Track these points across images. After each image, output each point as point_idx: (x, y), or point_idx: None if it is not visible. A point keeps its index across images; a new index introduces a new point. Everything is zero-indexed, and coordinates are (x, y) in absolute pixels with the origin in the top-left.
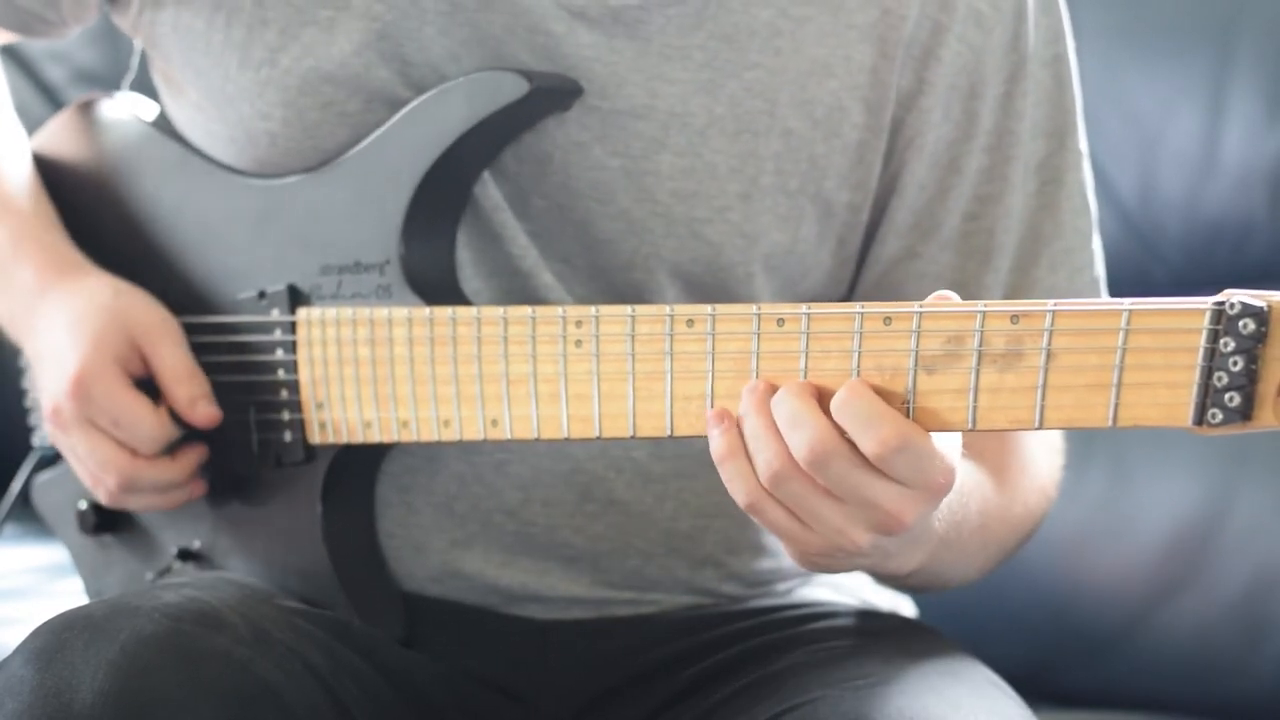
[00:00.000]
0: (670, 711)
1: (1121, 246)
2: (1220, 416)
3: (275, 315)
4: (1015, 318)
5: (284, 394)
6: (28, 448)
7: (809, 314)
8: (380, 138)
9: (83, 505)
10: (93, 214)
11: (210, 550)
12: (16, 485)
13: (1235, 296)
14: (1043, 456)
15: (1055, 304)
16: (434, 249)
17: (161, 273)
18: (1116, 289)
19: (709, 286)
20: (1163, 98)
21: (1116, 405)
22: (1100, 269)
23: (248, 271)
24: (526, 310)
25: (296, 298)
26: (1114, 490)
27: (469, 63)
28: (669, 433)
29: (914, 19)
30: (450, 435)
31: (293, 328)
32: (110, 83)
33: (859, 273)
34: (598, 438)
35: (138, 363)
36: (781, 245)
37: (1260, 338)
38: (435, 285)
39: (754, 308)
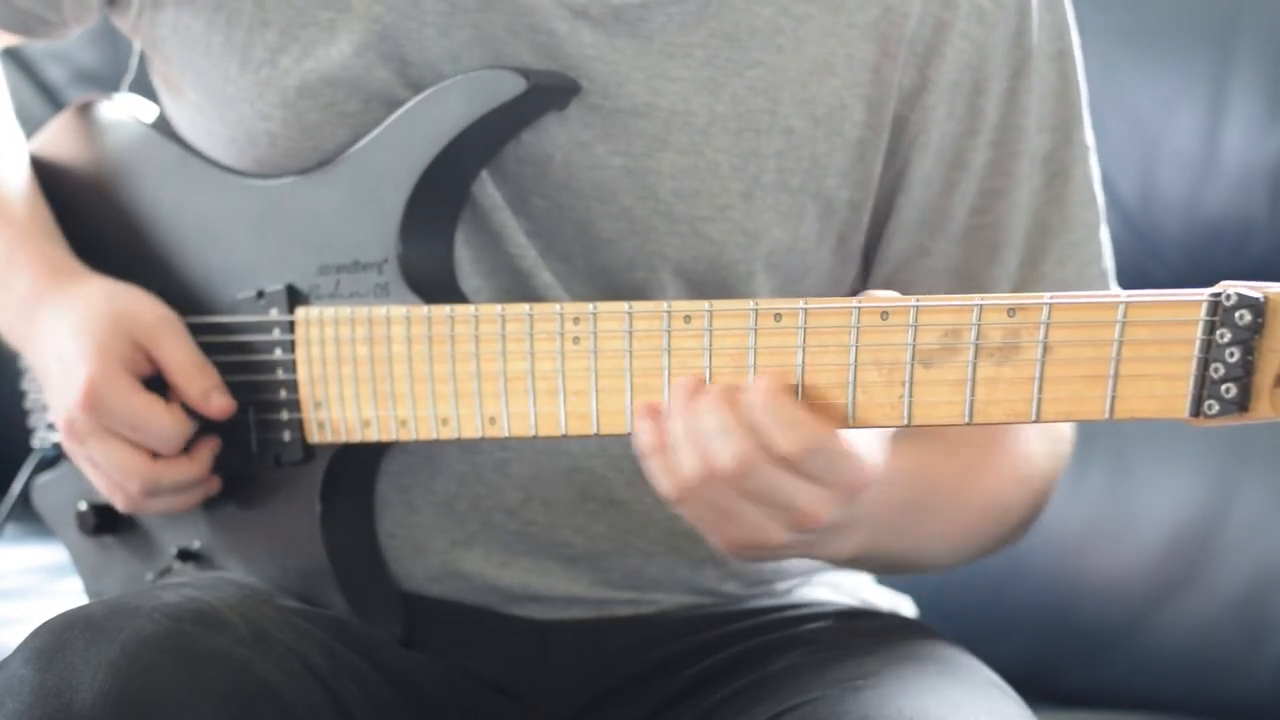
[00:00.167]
0: (670, 711)
1: (1121, 246)
2: (1217, 408)
3: (274, 315)
4: (1012, 311)
5: (282, 393)
6: (28, 448)
7: (806, 309)
8: (378, 137)
9: (82, 506)
10: (92, 215)
11: (210, 550)
12: (17, 486)
13: (1232, 288)
14: (1036, 449)
15: (1052, 297)
16: (432, 248)
17: (160, 273)
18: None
19: (710, 285)
20: (1163, 98)
21: (1113, 397)
22: (1109, 261)
23: (246, 271)
24: (524, 308)
25: (295, 297)
26: (1114, 489)
27: (469, 63)
28: None
29: (916, 16)
30: (448, 433)
31: (291, 327)
32: (110, 83)
33: (869, 272)
34: (595, 434)
35: (144, 363)
36: (783, 243)
37: (1256, 329)
38: (434, 284)
39: (751, 303)
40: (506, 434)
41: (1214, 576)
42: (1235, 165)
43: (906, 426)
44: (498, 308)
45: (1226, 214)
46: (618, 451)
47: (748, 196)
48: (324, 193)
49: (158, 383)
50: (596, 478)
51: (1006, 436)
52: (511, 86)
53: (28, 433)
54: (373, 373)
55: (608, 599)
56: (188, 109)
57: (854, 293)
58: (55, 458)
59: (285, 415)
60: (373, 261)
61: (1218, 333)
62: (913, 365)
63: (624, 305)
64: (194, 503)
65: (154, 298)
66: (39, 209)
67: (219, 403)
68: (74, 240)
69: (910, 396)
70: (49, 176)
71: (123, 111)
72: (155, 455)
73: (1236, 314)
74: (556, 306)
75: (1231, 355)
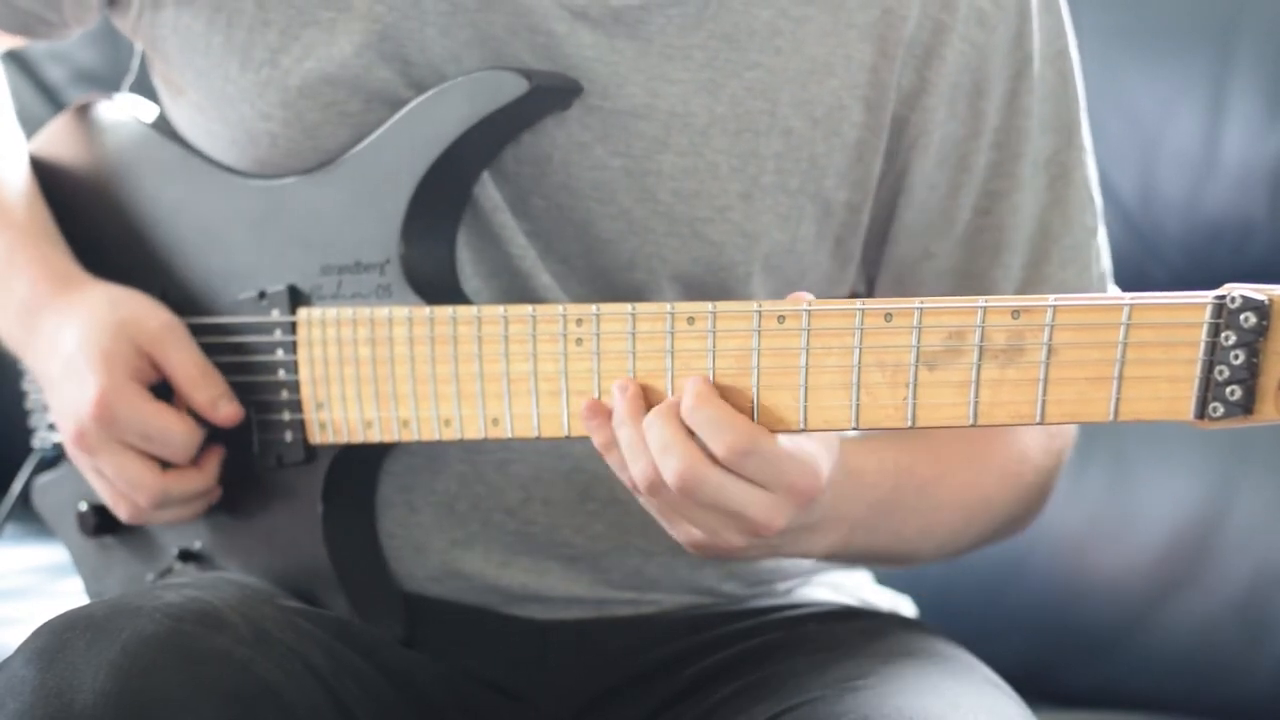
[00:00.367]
0: (670, 711)
1: (1121, 246)
2: (1221, 410)
3: (275, 315)
4: (1016, 313)
5: (284, 394)
6: (28, 448)
7: (810, 310)
8: (380, 137)
9: (83, 507)
10: (93, 216)
11: (211, 551)
12: (17, 486)
13: (1236, 290)
14: (1029, 444)
15: (1056, 299)
16: (434, 248)
17: (161, 274)
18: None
19: (709, 286)
20: (1163, 98)
21: (1118, 399)
22: (1107, 263)
23: (248, 272)
24: (527, 309)
25: (297, 298)
26: (1114, 489)
27: (470, 63)
28: None
29: (915, 18)
30: (451, 434)
31: (293, 328)
32: (110, 83)
33: (874, 277)
34: None
35: (150, 370)
36: (781, 245)
37: (1261, 331)
38: (435, 285)
39: (755, 305)
40: (510, 435)
41: (1214, 576)
42: (1235, 165)
43: (911, 428)
44: (500, 309)
45: (1226, 214)
46: None
47: (747, 198)
48: (326, 193)
49: (162, 389)
50: (597, 478)
51: (994, 433)
52: (514, 87)
53: (28, 433)
54: (375, 374)
55: (608, 599)
56: (188, 109)
57: (851, 296)
58: (55, 458)
59: (287, 416)
60: (375, 262)
61: (1222, 335)
62: (917, 367)
63: (627, 307)
64: (197, 514)
65: (156, 303)
66: (39, 210)
67: (227, 410)
68: (74, 241)
69: (914, 398)
70: (49, 177)
71: (123, 112)
72: (164, 466)
73: (1241, 316)
74: (560, 308)
75: (1236, 358)
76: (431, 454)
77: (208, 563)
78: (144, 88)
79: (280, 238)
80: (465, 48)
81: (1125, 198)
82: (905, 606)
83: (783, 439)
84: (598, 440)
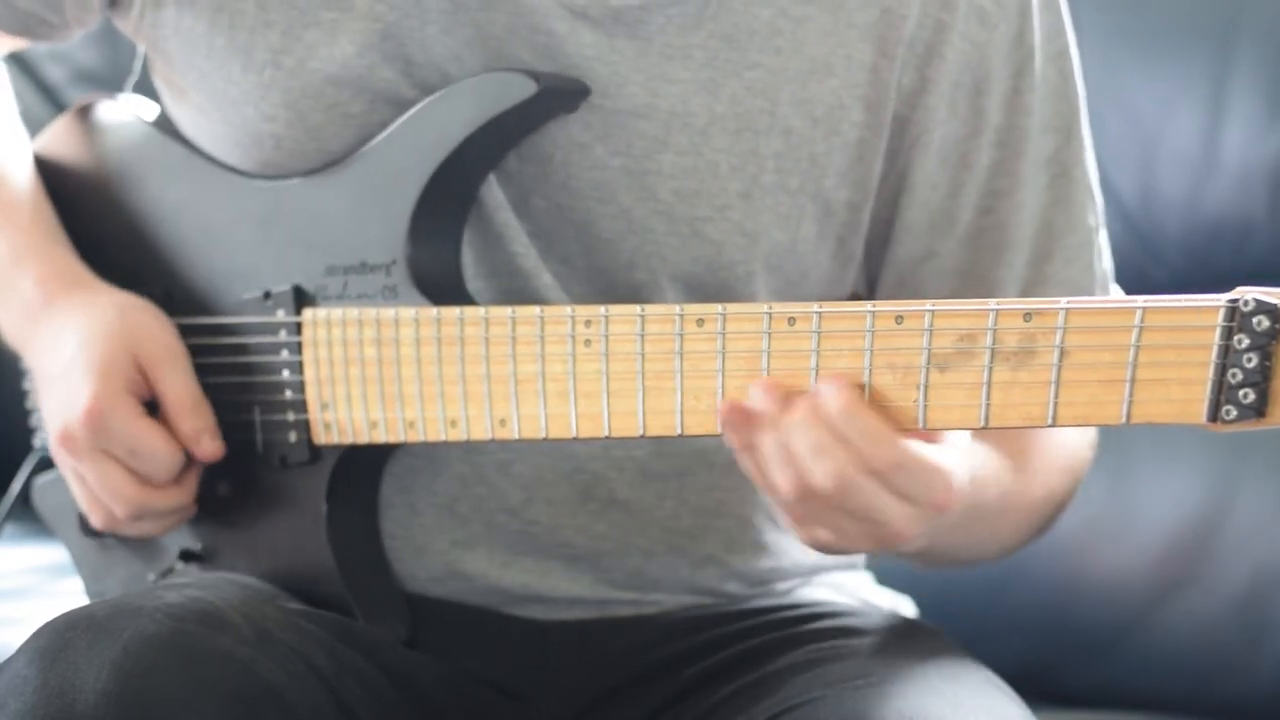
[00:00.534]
0: (671, 711)
1: (1121, 246)
2: (1235, 413)
3: (280, 316)
4: (1028, 315)
5: (289, 394)
6: (28, 448)
7: (820, 313)
8: (387, 138)
9: None
10: (96, 216)
11: (213, 551)
12: (17, 486)
13: (1249, 294)
14: (1073, 436)
15: (1069, 302)
16: (440, 249)
17: (165, 274)
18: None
19: (709, 287)
20: (1163, 98)
21: (1130, 402)
22: (1108, 262)
23: (252, 272)
24: (535, 310)
25: (302, 298)
26: (1115, 489)
27: (472, 62)
28: (679, 432)
29: (915, 18)
30: (457, 435)
31: (298, 328)
32: (110, 83)
33: (877, 278)
34: (606, 437)
35: (144, 386)
36: (782, 244)
37: (1274, 334)
38: (441, 285)
39: (765, 307)
40: (516, 436)
41: (1214, 576)
42: (1235, 165)
43: (922, 430)
44: (508, 310)
45: (1226, 214)
46: (620, 453)
47: (746, 197)
48: (332, 194)
49: (151, 406)
50: (598, 478)
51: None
52: (521, 89)
53: (28, 433)
54: (381, 374)
55: (609, 599)
56: (190, 110)
57: (853, 297)
58: None
59: (291, 416)
60: (381, 263)
61: (1235, 338)
62: (928, 369)
63: (636, 308)
64: (170, 529)
65: (165, 321)
66: (44, 210)
67: (210, 445)
68: (78, 241)
69: (925, 400)
70: (52, 177)
71: (126, 112)
72: (144, 481)
73: (1254, 319)
74: (568, 309)
75: (1249, 361)
76: (432, 455)
77: (209, 563)
78: (146, 89)
79: (285, 238)
80: (467, 47)
81: (1125, 198)
82: (905, 607)
83: (927, 450)
84: (735, 442)
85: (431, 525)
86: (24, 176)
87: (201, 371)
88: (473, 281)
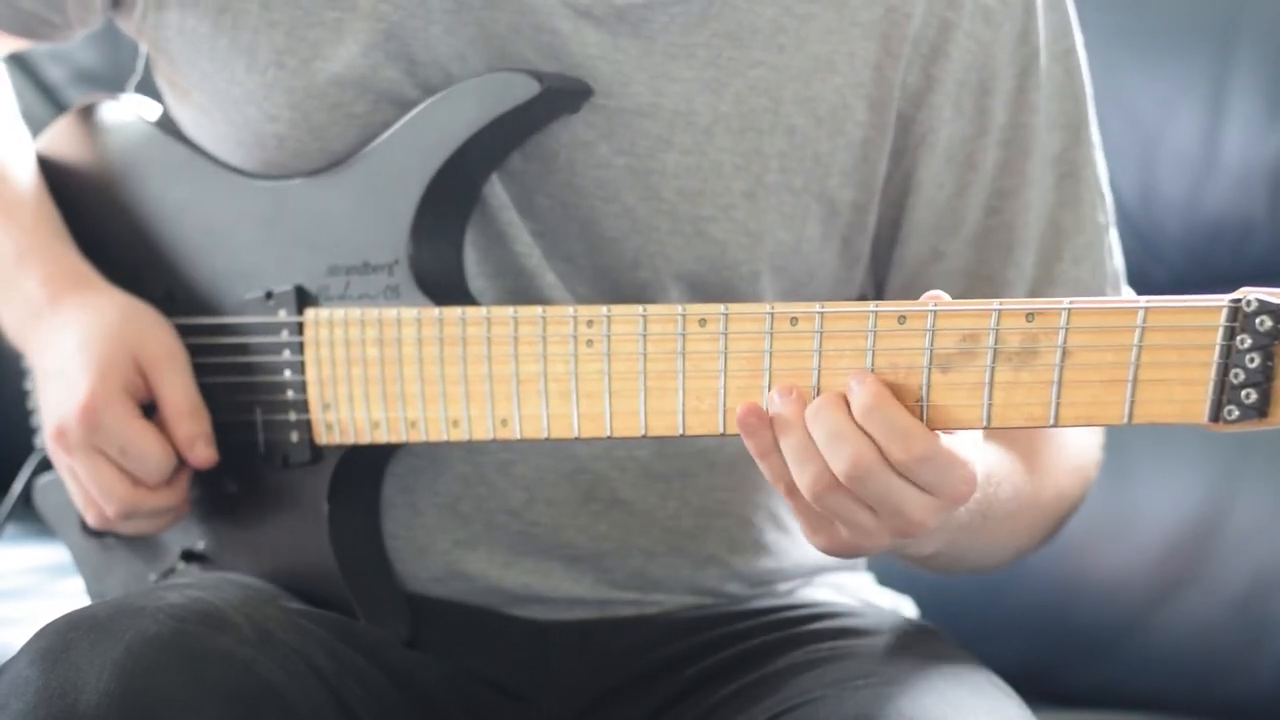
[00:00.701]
0: (671, 711)
1: (1121, 246)
2: (1237, 413)
3: (282, 316)
4: (1030, 315)
5: (291, 394)
6: (28, 448)
7: (822, 313)
8: (390, 138)
9: None
10: (98, 216)
11: (214, 551)
12: (18, 485)
13: (1252, 294)
14: (1082, 436)
15: (1071, 302)
16: (443, 250)
17: (167, 273)
18: None
19: (713, 287)
20: (1163, 98)
21: (1132, 402)
22: (1119, 261)
23: (254, 272)
24: (537, 310)
25: (304, 298)
26: (1115, 489)
27: (475, 61)
28: (680, 432)
29: (920, 16)
30: (459, 435)
31: (300, 328)
32: (111, 83)
33: (885, 279)
34: (609, 437)
35: (143, 388)
36: (786, 244)
37: (1277, 335)
38: (444, 286)
39: (767, 307)
40: (518, 436)
41: (1214, 576)
42: (1235, 165)
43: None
44: (510, 310)
45: (1226, 214)
46: (621, 453)
47: (751, 196)
48: (334, 194)
49: (149, 407)
50: (600, 478)
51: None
52: (525, 89)
53: (28, 433)
54: (383, 374)
55: (610, 599)
56: (193, 111)
57: (861, 299)
58: None
59: (293, 416)
60: (383, 263)
61: (1238, 338)
62: (930, 369)
63: (638, 308)
64: (163, 529)
65: (167, 325)
66: (47, 210)
67: (203, 452)
68: (80, 241)
69: (927, 400)
70: (54, 177)
71: (128, 111)
72: (135, 481)
73: (1257, 320)
74: (570, 309)
75: (1252, 361)
76: (433, 455)
77: (211, 563)
78: (148, 89)
79: (287, 238)
80: (471, 46)
81: (1125, 198)
82: (906, 607)
83: (946, 441)
84: (754, 446)
85: (433, 525)
86: (27, 176)
87: (203, 371)
88: (476, 281)
